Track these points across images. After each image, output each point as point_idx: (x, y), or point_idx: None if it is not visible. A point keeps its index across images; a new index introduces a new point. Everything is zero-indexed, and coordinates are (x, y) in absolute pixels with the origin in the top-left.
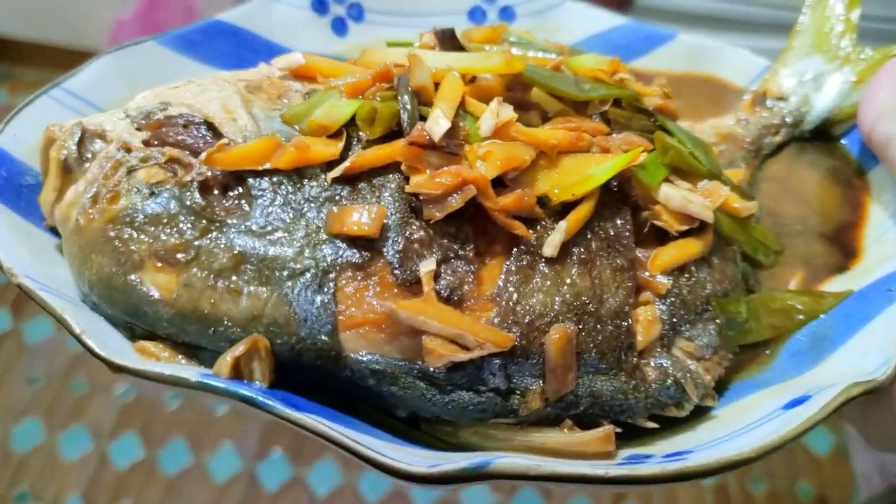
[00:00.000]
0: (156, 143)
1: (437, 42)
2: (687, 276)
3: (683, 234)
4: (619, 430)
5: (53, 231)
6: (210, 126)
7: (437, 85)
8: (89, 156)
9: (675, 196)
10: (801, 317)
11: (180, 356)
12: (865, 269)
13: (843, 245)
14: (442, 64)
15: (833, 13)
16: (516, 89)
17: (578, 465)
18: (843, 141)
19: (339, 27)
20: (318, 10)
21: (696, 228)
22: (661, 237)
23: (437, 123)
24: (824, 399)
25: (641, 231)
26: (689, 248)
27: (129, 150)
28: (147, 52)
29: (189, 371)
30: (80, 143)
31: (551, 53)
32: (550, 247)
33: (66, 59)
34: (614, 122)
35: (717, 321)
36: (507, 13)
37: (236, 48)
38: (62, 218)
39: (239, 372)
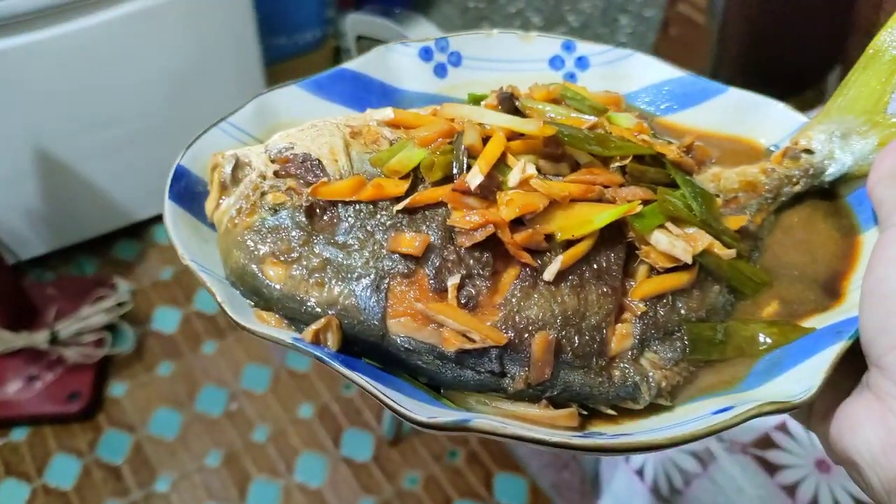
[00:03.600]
0: (283, 174)
1: (498, 102)
2: (664, 302)
3: (670, 270)
4: (584, 412)
5: (214, 228)
6: (320, 163)
7: (487, 139)
8: (240, 178)
9: (662, 240)
10: (766, 345)
11: (284, 323)
12: (841, 311)
13: (829, 290)
14: (493, 123)
15: (877, 78)
16: (551, 145)
17: (538, 430)
18: (848, 198)
19: (441, 71)
20: (424, 57)
21: (682, 266)
22: (652, 271)
23: (475, 177)
24: (739, 410)
25: (634, 265)
26: (668, 282)
27: (264, 178)
28: (289, 93)
29: (284, 334)
30: (234, 169)
31: (592, 115)
32: (549, 273)
33: None
34: (631, 175)
35: (684, 341)
36: (582, 62)
37: (356, 90)
38: (218, 221)
39: (317, 339)
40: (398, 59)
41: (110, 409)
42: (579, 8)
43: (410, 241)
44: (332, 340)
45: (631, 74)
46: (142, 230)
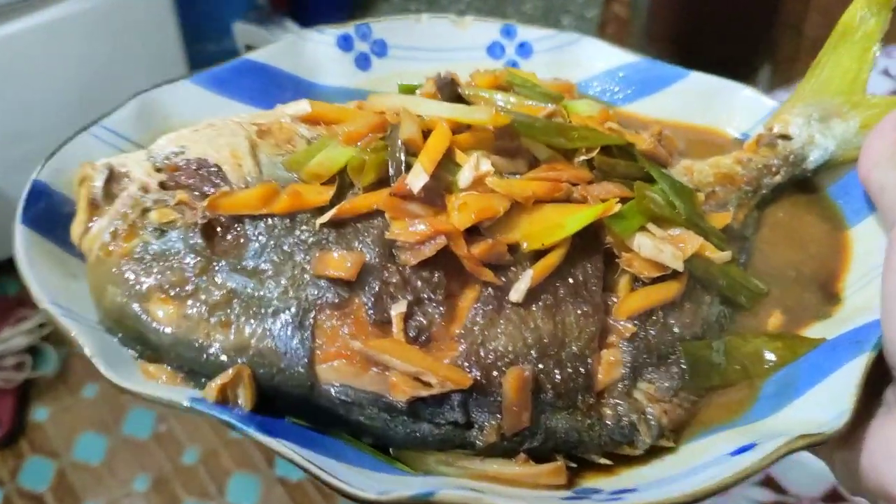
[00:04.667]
0: (171, 184)
1: (437, 90)
2: (654, 320)
3: (656, 280)
4: (572, 464)
5: (83, 258)
6: (220, 170)
7: (428, 132)
8: (116, 193)
9: (647, 245)
10: (772, 362)
11: (179, 378)
12: (844, 317)
13: (828, 292)
14: (433, 114)
15: (850, 57)
16: (505, 138)
17: (523, 494)
18: (829, 189)
19: (363, 62)
20: (343, 47)
21: (670, 275)
22: (636, 281)
23: (417, 177)
24: (768, 449)
25: (614, 275)
26: (656, 295)
27: (146, 191)
28: (180, 91)
29: (181, 395)
30: (108, 182)
31: (548, 102)
32: (517, 293)
33: None
34: (599, 170)
35: (681, 364)
36: (524, 49)
37: (264, 85)
38: (87, 249)
39: (225, 396)
40: (313, 49)
41: (32, 435)
42: (522, 9)
43: (340, 262)
44: (243, 397)
45: (580, 61)
46: None
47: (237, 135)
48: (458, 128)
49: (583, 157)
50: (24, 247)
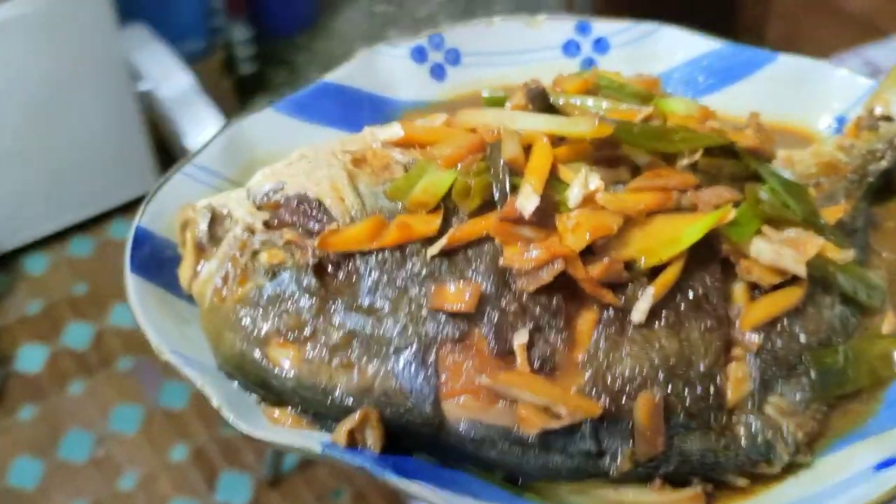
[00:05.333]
0: (276, 222)
1: (528, 101)
2: (779, 329)
3: (776, 287)
4: (710, 486)
5: (193, 302)
6: (321, 205)
7: (528, 148)
8: (220, 235)
9: (766, 250)
10: None
11: (304, 422)
12: None
13: None
14: (532, 128)
15: None
16: (606, 147)
17: None
18: None
19: (438, 72)
20: (417, 59)
21: (789, 280)
22: (754, 287)
23: (528, 200)
24: None
25: (732, 284)
26: (780, 303)
27: (252, 232)
28: (263, 120)
29: (313, 441)
30: (212, 224)
31: (640, 103)
32: (639, 312)
33: None
34: (703, 173)
35: (811, 375)
36: (601, 44)
37: (342, 106)
38: (199, 294)
39: (353, 440)
40: (387, 64)
41: None
42: (493, 10)
43: (457, 295)
44: (372, 439)
45: (659, 52)
46: (8, 261)
47: (333, 166)
48: (553, 141)
49: (686, 161)
50: (138, 295)
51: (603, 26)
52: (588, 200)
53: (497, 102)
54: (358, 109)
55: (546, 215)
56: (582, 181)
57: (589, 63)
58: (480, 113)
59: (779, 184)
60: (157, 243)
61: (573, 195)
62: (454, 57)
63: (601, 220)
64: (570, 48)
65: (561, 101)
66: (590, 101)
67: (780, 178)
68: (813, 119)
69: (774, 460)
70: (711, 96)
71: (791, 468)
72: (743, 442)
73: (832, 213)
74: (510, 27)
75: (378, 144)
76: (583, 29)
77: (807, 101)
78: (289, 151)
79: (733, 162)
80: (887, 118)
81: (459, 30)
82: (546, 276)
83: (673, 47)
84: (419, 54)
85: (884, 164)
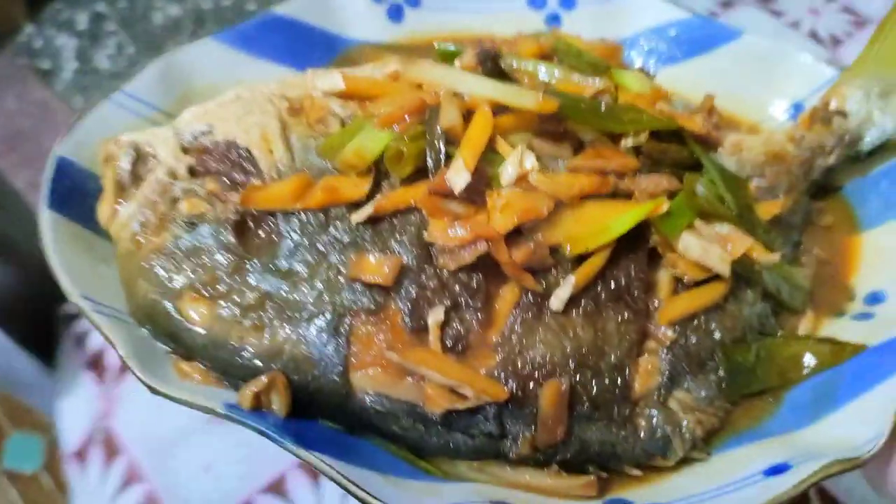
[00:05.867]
0: (200, 169)
1: (478, 62)
2: (695, 325)
3: (700, 282)
4: (604, 474)
5: (109, 238)
6: (249, 154)
7: (469, 113)
8: (143, 174)
9: (694, 246)
10: (810, 367)
11: (213, 378)
12: (891, 318)
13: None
14: (476, 93)
15: None
16: (550, 121)
17: None
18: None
19: (395, 14)
20: None
21: (714, 276)
22: (678, 280)
23: (459, 175)
24: (802, 474)
25: (657, 272)
26: (700, 300)
27: (175, 177)
28: (204, 50)
29: (216, 401)
30: (135, 163)
31: (595, 74)
32: (557, 300)
33: None
34: (647, 156)
35: (720, 372)
36: (567, 0)
37: (292, 41)
38: (115, 236)
39: (259, 402)
40: (342, 1)
41: None
42: None
43: (377, 267)
44: (278, 404)
45: (626, 15)
46: None
47: (267, 113)
48: (499, 107)
49: (630, 142)
50: (52, 234)
51: None
52: (522, 179)
53: (448, 57)
54: (307, 46)
55: (476, 190)
56: (516, 159)
57: (554, 18)
58: (428, 69)
59: (718, 175)
60: (78, 175)
61: (507, 173)
62: None
63: (532, 202)
64: (535, 1)
65: (514, 65)
66: (542, 68)
67: (721, 169)
68: (770, 102)
69: (669, 455)
70: (673, 67)
71: (686, 460)
72: (642, 434)
73: (770, 209)
74: None
75: (318, 93)
76: None
77: (768, 80)
78: (229, 86)
79: (678, 147)
80: (842, 113)
81: None
82: (468, 257)
83: (642, 11)
84: None
85: (831, 160)
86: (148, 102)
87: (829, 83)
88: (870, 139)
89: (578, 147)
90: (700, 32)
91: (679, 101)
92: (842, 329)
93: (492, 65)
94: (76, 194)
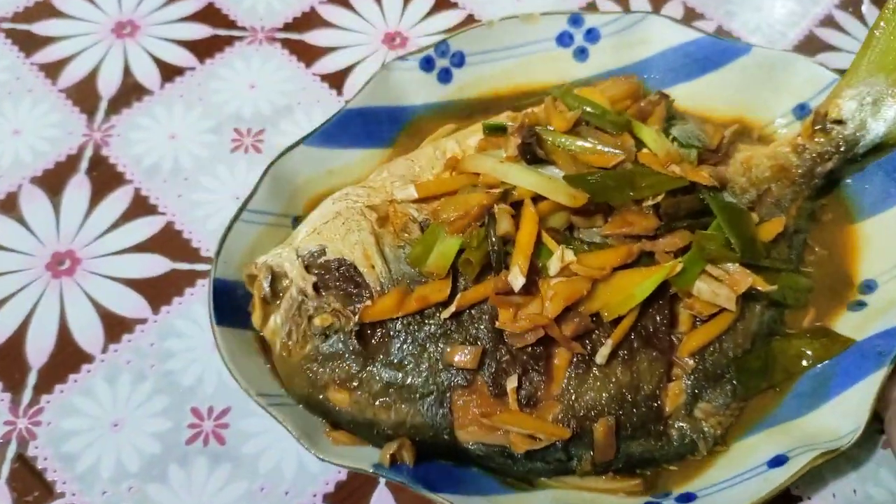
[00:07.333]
0: (321, 286)
1: (519, 153)
2: (712, 350)
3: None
4: (647, 473)
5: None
6: (356, 269)
7: (516, 204)
8: (279, 290)
9: (705, 291)
10: (808, 360)
11: (358, 440)
12: (879, 308)
13: (864, 282)
14: (520, 184)
15: None
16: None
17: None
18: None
19: (445, 76)
20: (425, 68)
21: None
22: (695, 316)
23: (516, 279)
24: (794, 467)
25: (678, 307)
26: (713, 330)
27: (306, 295)
28: (298, 155)
29: (365, 463)
30: (272, 282)
31: (617, 129)
32: (601, 357)
33: None
34: (664, 213)
35: (733, 382)
36: (592, 34)
37: (365, 125)
38: (269, 339)
39: (394, 459)
40: (399, 77)
41: None
42: None
43: (462, 358)
44: (408, 458)
45: (645, 39)
46: None
47: (363, 229)
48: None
49: (650, 202)
50: (225, 344)
51: (594, 18)
52: (564, 269)
53: (493, 130)
54: (378, 125)
55: (531, 280)
56: (559, 255)
57: (581, 52)
58: (480, 163)
59: (725, 217)
60: (231, 288)
61: (553, 266)
62: (458, 59)
63: (574, 286)
64: (563, 39)
65: (549, 141)
66: (572, 144)
67: (727, 209)
68: (778, 103)
69: (697, 454)
70: (689, 83)
71: (711, 453)
72: (675, 442)
73: (773, 228)
74: (509, 25)
75: (398, 200)
76: (575, 21)
77: (774, 88)
78: (320, 176)
79: (691, 197)
80: (839, 122)
81: (463, 35)
82: (530, 339)
83: (659, 35)
84: (427, 63)
85: (830, 165)
86: (265, 212)
87: (830, 85)
88: (864, 144)
89: (608, 210)
90: (712, 49)
91: (692, 127)
92: (839, 319)
93: (530, 151)
94: (231, 305)
